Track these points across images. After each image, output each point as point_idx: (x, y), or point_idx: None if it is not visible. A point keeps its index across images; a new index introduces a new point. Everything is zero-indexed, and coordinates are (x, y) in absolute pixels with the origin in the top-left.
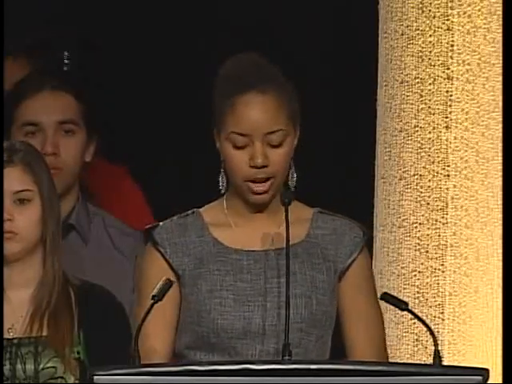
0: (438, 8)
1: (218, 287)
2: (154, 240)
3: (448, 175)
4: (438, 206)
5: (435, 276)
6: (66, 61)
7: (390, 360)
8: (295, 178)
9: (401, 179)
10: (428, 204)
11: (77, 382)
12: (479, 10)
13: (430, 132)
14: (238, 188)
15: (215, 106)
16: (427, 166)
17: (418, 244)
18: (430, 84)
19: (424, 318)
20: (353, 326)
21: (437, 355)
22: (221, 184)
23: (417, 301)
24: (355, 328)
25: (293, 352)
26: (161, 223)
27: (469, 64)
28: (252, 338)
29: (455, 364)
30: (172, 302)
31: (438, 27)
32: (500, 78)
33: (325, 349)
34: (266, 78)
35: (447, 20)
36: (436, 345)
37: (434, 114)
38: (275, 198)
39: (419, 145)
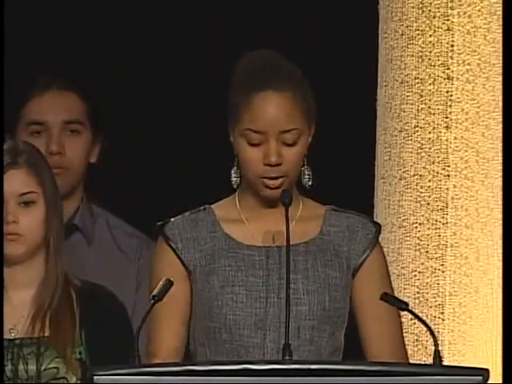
0: (438, 8)
1: (230, 283)
2: (165, 235)
3: (448, 175)
4: (438, 206)
5: (435, 276)
6: None
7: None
8: (309, 177)
9: (401, 179)
10: (428, 204)
11: (78, 382)
12: (479, 10)
13: (430, 132)
14: (252, 183)
15: (231, 101)
16: (427, 166)
17: (418, 244)
18: (430, 84)
19: (424, 318)
20: (368, 322)
21: (437, 355)
22: (233, 178)
23: (417, 301)
24: (370, 324)
25: (305, 350)
26: (172, 219)
27: (469, 64)
28: (264, 335)
29: (455, 364)
30: (183, 300)
31: (438, 27)
32: (500, 78)
33: (337, 346)
34: (284, 76)
35: (447, 20)
36: (436, 345)
37: (434, 114)
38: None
39: (419, 145)
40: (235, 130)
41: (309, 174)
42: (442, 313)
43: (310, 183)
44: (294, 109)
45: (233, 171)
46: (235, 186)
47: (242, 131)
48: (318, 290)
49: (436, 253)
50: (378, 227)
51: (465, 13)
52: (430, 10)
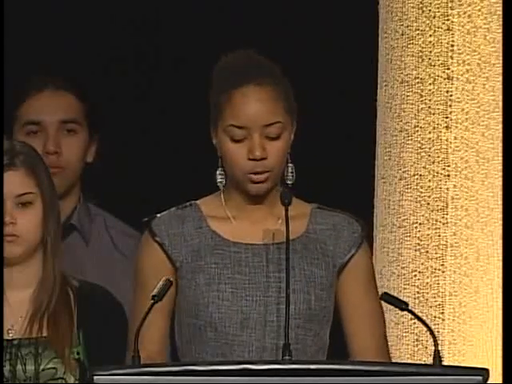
0: (438, 8)
1: (216, 280)
2: (151, 231)
3: (448, 175)
4: (438, 205)
5: (435, 276)
6: None
7: (390, 360)
8: (292, 174)
9: (401, 179)
10: (428, 204)
11: (77, 382)
12: (479, 10)
13: (430, 132)
14: (238, 180)
15: (212, 100)
16: (427, 166)
17: (418, 244)
18: (430, 84)
19: (424, 318)
20: (352, 320)
21: (437, 355)
22: (219, 179)
23: (417, 301)
24: (355, 322)
25: (292, 348)
26: (158, 215)
27: (469, 64)
28: (250, 333)
29: (455, 364)
30: (166, 298)
31: (438, 27)
32: (500, 78)
33: (322, 344)
34: (263, 71)
35: (447, 20)
36: (436, 345)
37: (434, 114)
38: (273, 190)
39: (419, 145)
40: (218, 128)
41: (292, 172)
42: (442, 313)
43: (292, 181)
44: (276, 103)
45: (218, 173)
46: (222, 187)
47: (224, 128)
48: (304, 288)
49: (436, 253)
50: (364, 226)
51: (465, 13)
52: (430, 10)
